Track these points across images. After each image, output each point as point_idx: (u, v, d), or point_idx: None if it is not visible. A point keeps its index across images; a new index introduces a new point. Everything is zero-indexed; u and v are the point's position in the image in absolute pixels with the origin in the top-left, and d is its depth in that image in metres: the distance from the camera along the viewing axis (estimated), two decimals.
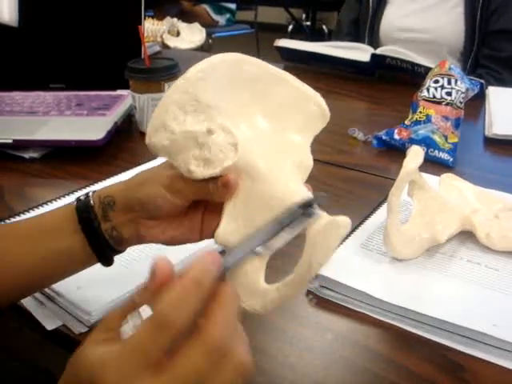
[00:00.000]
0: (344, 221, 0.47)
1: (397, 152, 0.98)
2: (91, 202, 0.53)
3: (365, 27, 1.77)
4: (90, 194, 0.54)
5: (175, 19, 1.79)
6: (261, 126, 0.52)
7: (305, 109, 0.53)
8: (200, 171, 0.49)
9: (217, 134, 0.49)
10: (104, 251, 0.54)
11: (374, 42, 1.70)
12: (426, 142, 0.96)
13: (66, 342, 0.59)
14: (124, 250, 0.56)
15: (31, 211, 0.78)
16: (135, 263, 0.66)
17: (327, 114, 0.53)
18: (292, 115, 0.52)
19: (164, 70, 1.06)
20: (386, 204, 0.67)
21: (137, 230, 0.53)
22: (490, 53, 1.59)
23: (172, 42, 1.72)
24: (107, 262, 0.55)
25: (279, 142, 0.51)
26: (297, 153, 0.52)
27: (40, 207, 0.79)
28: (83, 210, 0.53)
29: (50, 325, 0.59)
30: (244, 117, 0.51)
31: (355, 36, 1.77)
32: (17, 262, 0.54)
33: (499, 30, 1.58)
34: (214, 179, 0.49)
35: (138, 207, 0.52)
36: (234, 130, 0.49)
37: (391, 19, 1.72)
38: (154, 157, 0.94)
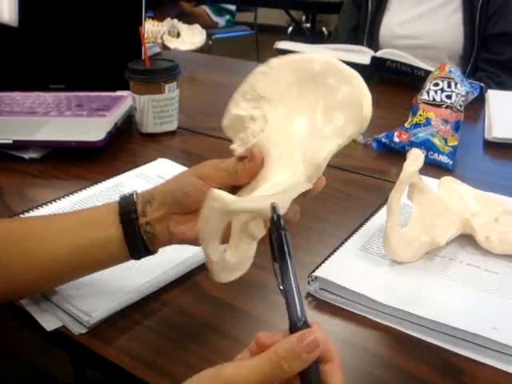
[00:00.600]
0: (215, 193, 0.47)
1: (396, 155, 0.98)
2: (134, 198, 0.57)
3: (363, 34, 1.77)
4: (135, 192, 0.57)
5: (175, 20, 1.78)
6: (299, 121, 0.54)
7: (350, 110, 0.54)
8: (238, 150, 0.56)
9: (257, 121, 0.54)
10: (137, 245, 0.56)
11: (374, 48, 1.70)
12: (426, 145, 0.96)
13: (66, 342, 0.59)
14: (155, 251, 0.58)
15: (31, 212, 0.78)
16: (135, 265, 0.66)
17: (364, 120, 0.54)
18: (339, 115, 0.54)
19: (164, 71, 1.07)
20: (385, 207, 0.68)
21: (167, 226, 0.56)
22: (489, 56, 1.59)
23: (172, 43, 1.71)
24: (138, 256, 0.57)
25: (309, 138, 0.54)
26: (313, 150, 0.53)
27: (40, 208, 0.79)
28: (125, 203, 0.57)
29: (49, 326, 0.59)
30: (290, 110, 0.55)
31: (354, 44, 1.77)
32: (54, 250, 0.56)
33: (498, 34, 1.58)
34: (242, 160, 0.55)
35: (170, 200, 0.55)
36: (272, 120, 0.54)
37: (390, 26, 1.72)
38: (154, 158, 0.95)
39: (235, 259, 0.51)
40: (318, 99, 0.55)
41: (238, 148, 0.56)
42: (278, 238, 0.45)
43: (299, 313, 0.42)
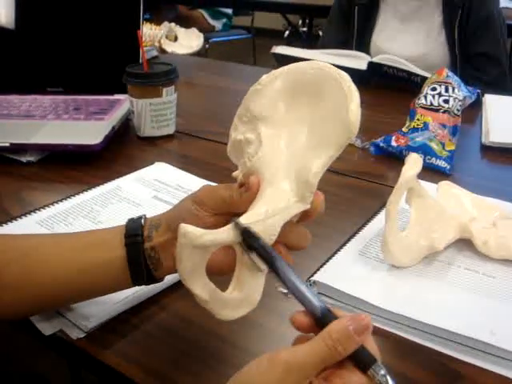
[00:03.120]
0: (182, 228, 0.46)
1: (394, 159, 0.99)
2: (142, 222, 0.55)
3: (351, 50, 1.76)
4: (143, 216, 0.56)
5: (173, 24, 1.79)
6: (289, 137, 0.51)
7: (336, 116, 0.48)
8: (239, 176, 0.53)
9: (253, 143, 0.51)
10: (139, 270, 0.54)
11: None
12: (424, 150, 0.97)
13: (63, 347, 0.59)
14: (161, 279, 0.56)
15: (28, 215, 0.78)
16: None
17: (352, 125, 0.47)
18: (328, 124, 0.48)
19: (162, 74, 1.07)
20: (383, 211, 0.68)
21: (172, 252, 0.52)
22: (475, 74, 1.61)
23: (170, 46, 1.72)
24: (140, 282, 0.55)
25: (300, 154, 0.50)
26: (302, 167, 0.49)
27: (37, 211, 0.79)
28: (132, 226, 0.55)
29: (47, 330, 0.59)
30: (282, 127, 0.51)
31: None
32: (53, 269, 0.55)
33: (479, 53, 1.61)
34: (241, 187, 0.52)
35: (174, 226, 0.52)
36: (265, 140, 0.51)
37: (378, 44, 1.72)
38: (151, 162, 0.95)
39: (239, 295, 0.49)
40: (307, 111, 0.50)
41: (239, 174, 0.53)
42: (259, 251, 0.46)
43: (314, 303, 0.44)
